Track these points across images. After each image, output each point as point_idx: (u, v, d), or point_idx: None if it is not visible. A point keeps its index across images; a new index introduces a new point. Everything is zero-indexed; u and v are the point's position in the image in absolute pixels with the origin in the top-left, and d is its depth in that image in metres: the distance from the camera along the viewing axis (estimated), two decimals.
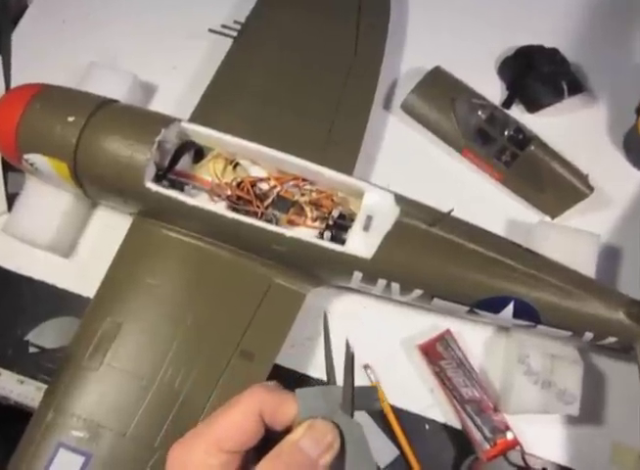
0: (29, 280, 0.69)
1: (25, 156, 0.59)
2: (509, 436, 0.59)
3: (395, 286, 0.56)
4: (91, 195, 0.63)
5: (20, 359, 0.66)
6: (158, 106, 0.75)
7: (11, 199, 0.68)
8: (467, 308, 0.57)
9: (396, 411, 0.62)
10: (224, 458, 0.30)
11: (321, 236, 0.59)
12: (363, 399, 0.32)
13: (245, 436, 0.30)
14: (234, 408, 0.31)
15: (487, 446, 0.58)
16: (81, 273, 0.69)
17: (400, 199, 0.57)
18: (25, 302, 0.68)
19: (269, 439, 0.31)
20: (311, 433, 0.29)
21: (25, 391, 0.66)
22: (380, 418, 0.62)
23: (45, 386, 0.65)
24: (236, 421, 0.30)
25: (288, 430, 0.31)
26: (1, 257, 0.69)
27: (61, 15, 0.82)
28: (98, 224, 0.70)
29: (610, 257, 0.67)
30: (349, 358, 0.32)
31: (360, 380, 0.62)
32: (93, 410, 0.54)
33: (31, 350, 0.66)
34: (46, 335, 0.67)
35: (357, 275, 0.56)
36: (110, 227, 0.69)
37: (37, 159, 0.59)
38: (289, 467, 0.29)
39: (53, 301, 0.68)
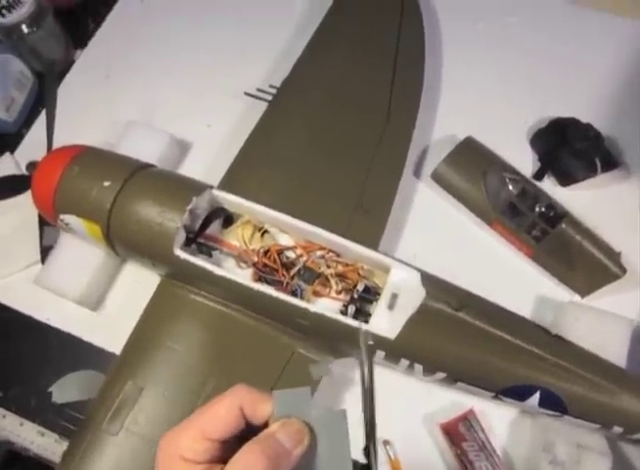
0: (57, 331, 0.70)
1: (61, 216, 0.61)
2: None
3: (419, 367, 0.55)
4: (121, 255, 0.64)
5: (42, 410, 0.67)
6: (192, 162, 0.78)
7: (45, 251, 0.70)
8: (491, 394, 0.55)
9: None
10: (208, 445, 0.33)
11: (345, 309, 0.58)
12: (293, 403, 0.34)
13: (226, 427, 0.34)
14: (218, 403, 0.35)
15: None
16: (107, 327, 0.70)
17: (427, 278, 0.57)
18: (51, 353, 0.70)
19: (249, 432, 0.35)
20: (285, 428, 0.33)
21: (45, 443, 0.67)
22: None
23: (64, 439, 0.66)
24: (219, 414, 0.34)
25: (265, 425, 0.34)
26: (31, 307, 0.71)
27: (105, 70, 0.85)
28: (127, 279, 0.72)
29: None
30: (368, 349, 0.35)
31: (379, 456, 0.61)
32: None
33: (54, 400, 0.67)
34: (68, 387, 0.68)
35: (380, 354, 0.56)
36: (138, 283, 0.70)
37: (72, 220, 0.61)
38: (266, 454, 0.32)
39: (77, 353, 0.69)
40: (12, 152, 0.80)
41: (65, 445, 0.65)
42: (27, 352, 0.70)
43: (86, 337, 0.70)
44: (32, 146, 0.80)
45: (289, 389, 0.35)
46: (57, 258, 0.68)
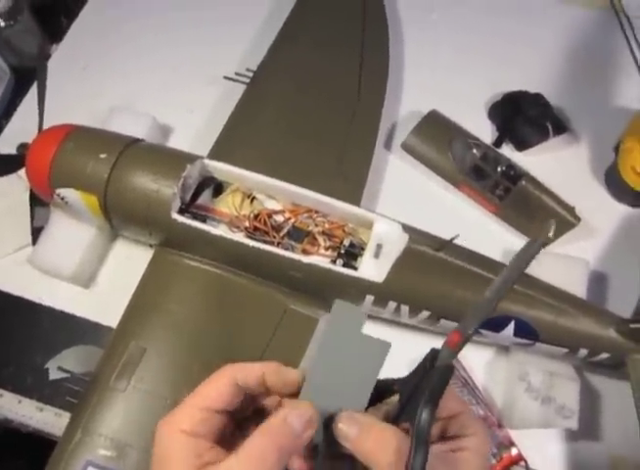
0: (50, 310, 0.72)
1: (57, 190, 0.63)
2: (513, 451, 0.63)
3: (405, 308, 0.60)
4: (117, 226, 0.67)
5: (39, 387, 0.68)
6: (174, 146, 0.81)
7: (36, 232, 0.71)
8: None
9: None
10: (205, 415, 0.35)
11: (333, 263, 0.63)
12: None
13: (220, 394, 0.36)
14: (208, 380, 0.37)
15: (493, 461, 0.62)
16: (100, 303, 0.72)
17: (407, 227, 0.62)
18: (45, 331, 0.71)
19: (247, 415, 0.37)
20: (296, 412, 0.35)
21: (44, 417, 0.68)
22: None
23: (64, 412, 0.67)
24: (212, 386, 0.36)
25: (262, 411, 0.37)
26: (23, 288, 0.72)
27: (82, 62, 0.88)
28: (117, 256, 0.74)
29: (596, 282, 0.72)
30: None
31: None
32: (120, 430, 0.56)
33: (52, 376, 0.69)
34: (66, 362, 0.69)
35: (369, 299, 0.61)
36: (128, 259, 0.73)
37: (69, 193, 0.63)
38: (277, 438, 0.34)
39: (72, 329, 0.71)
40: None
41: (65, 417, 0.67)
42: (21, 332, 0.71)
43: (80, 313, 0.71)
44: (12, 136, 0.81)
45: (349, 303, 0.38)
46: (48, 238, 0.70)
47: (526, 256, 0.35)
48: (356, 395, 0.37)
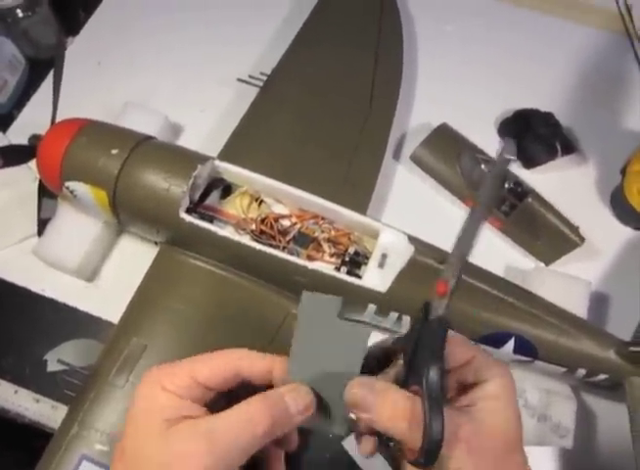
0: (52, 302, 0.72)
1: (67, 183, 0.63)
2: None
3: (406, 319, 0.60)
4: (124, 222, 0.67)
5: (36, 378, 0.68)
6: (184, 145, 0.81)
7: (43, 224, 0.72)
8: (472, 343, 0.61)
9: None
10: (191, 383, 0.34)
11: (337, 271, 0.63)
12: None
13: (217, 373, 0.34)
14: (216, 353, 0.36)
15: None
16: (103, 298, 0.72)
17: (413, 239, 0.62)
18: (46, 322, 0.71)
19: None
20: (293, 394, 0.34)
21: (40, 409, 0.68)
22: None
23: (60, 404, 0.67)
24: (212, 360, 0.35)
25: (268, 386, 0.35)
26: (26, 279, 0.73)
27: (97, 57, 0.89)
28: (122, 252, 0.74)
29: (598, 302, 0.72)
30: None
31: None
32: (117, 425, 0.56)
33: (50, 368, 0.69)
34: (65, 355, 0.69)
35: (371, 308, 0.61)
36: (133, 255, 0.73)
37: (78, 186, 0.63)
38: (271, 409, 0.33)
39: (73, 322, 0.71)
40: (4, 132, 0.83)
41: (61, 409, 0.67)
42: (21, 323, 0.71)
43: (82, 307, 0.71)
44: (24, 127, 0.82)
45: (319, 293, 0.37)
46: (55, 230, 0.70)
47: (494, 175, 0.35)
48: (340, 383, 0.35)
